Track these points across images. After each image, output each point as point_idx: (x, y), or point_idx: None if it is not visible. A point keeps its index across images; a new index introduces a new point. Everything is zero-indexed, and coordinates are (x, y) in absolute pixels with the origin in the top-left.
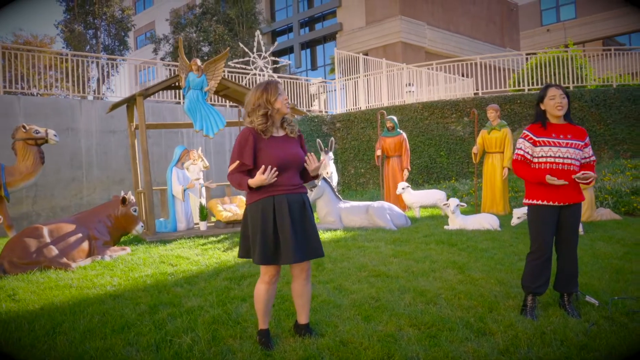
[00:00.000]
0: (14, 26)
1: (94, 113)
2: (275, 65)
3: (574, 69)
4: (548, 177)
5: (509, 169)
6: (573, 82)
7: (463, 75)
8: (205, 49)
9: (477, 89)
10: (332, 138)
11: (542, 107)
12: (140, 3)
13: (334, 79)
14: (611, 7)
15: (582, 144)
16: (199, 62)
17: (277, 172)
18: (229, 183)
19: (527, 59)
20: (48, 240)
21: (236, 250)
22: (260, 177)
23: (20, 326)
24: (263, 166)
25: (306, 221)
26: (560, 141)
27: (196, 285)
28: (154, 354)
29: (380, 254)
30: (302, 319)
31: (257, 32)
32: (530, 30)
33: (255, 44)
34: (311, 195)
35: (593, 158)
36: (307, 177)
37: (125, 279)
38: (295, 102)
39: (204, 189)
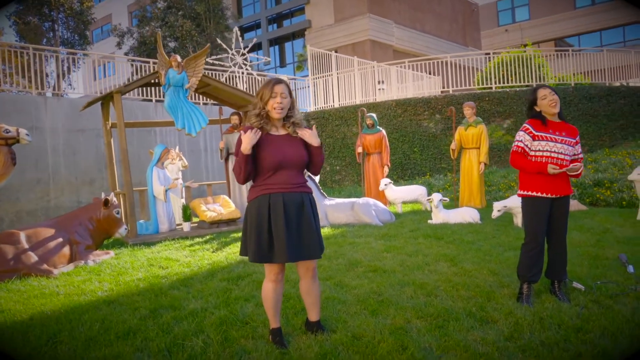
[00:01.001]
0: None
1: (60, 111)
2: (252, 63)
3: (534, 68)
4: (550, 166)
5: (485, 164)
6: (535, 81)
7: (430, 73)
8: (172, 44)
9: (444, 87)
10: (314, 124)
11: (537, 109)
12: None
13: (306, 75)
14: (562, 10)
15: (574, 141)
16: (179, 58)
17: (259, 133)
18: (210, 182)
19: (489, 58)
20: (26, 246)
21: (226, 250)
22: (246, 138)
23: (12, 337)
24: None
25: (303, 221)
26: (556, 137)
27: (193, 288)
28: (167, 359)
29: (373, 250)
30: (313, 316)
31: (235, 28)
32: (489, 30)
33: (234, 40)
34: None
35: (581, 155)
36: (317, 168)
37: (116, 284)
38: None
39: (184, 189)
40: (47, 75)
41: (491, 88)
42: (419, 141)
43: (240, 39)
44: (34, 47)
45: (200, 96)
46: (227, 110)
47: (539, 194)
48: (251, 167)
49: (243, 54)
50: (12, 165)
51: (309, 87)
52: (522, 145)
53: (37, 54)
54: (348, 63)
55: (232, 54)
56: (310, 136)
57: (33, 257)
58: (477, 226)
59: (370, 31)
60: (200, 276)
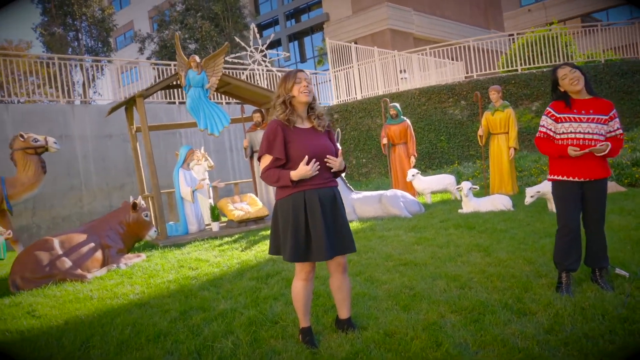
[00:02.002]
0: None
1: (87, 118)
2: (272, 59)
3: (560, 46)
4: (570, 148)
5: (515, 149)
6: (562, 60)
7: (453, 59)
8: (192, 46)
9: (468, 72)
10: (339, 129)
11: (562, 90)
12: (117, 2)
13: (327, 69)
14: None
15: (607, 117)
16: (197, 58)
17: (319, 165)
18: (237, 181)
19: (513, 39)
20: (60, 252)
21: (255, 248)
22: (304, 168)
23: (48, 343)
24: (306, 157)
25: (338, 216)
26: (582, 116)
27: (222, 288)
28: None
29: (403, 242)
30: (343, 314)
31: (252, 25)
32: (512, 11)
33: (251, 37)
34: None
35: (619, 131)
36: (336, 172)
37: (147, 287)
38: None
39: (211, 189)
40: (74, 84)
41: (517, 70)
42: (445, 129)
43: (257, 36)
44: (60, 56)
45: (222, 95)
46: (249, 109)
47: (567, 178)
48: None
49: (262, 51)
50: (42, 174)
51: (330, 80)
52: (544, 130)
53: (63, 63)
54: (368, 54)
55: (251, 52)
56: (340, 165)
57: (67, 263)
58: (509, 213)
59: (389, 20)
60: (229, 276)
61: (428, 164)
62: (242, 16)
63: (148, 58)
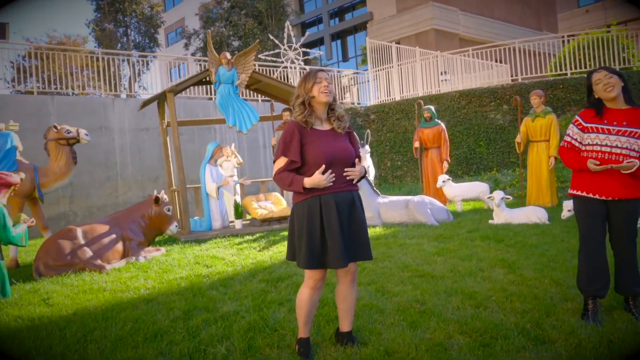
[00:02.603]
0: (47, 27)
1: (127, 111)
2: (306, 57)
3: (617, 50)
4: (590, 161)
5: (555, 158)
6: (618, 64)
7: (499, 62)
8: (236, 43)
9: (514, 75)
10: (368, 130)
11: (597, 96)
12: (170, 0)
13: (367, 69)
14: None
15: None
16: (228, 55)
17: (334, 176)
18: (263, 179)
19: (567, 41)
20: (82, 241)
21: (273, 249)
22: (318, 177)
23: (51, 333)
24: (323, 166)
25: (355, 222)
26: (612, 128)
27: (232, 288)
28: None
29: (423, 252)
30: (345, 326)
31: (287, 23)
32: (567, 12)
33: (285, 35)
34: None
35: None
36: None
37: (159, 282)
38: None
39: (238, 186)
40: (120, 78)
41: (566, 74)
42: (485, 134)
43: (292, 33)
44: (106, 51)
45: (253, 93)
46: (279, 107)
47: (588, 195)
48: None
49: (295, 49)
50: (73, 164)
51: (368, 81)
52: (569, 139)
53: (111, 58)
54: (410, 54)
55: (284, 50)
56: (360, 173)
57: (88, 252)
58: (544, 227)
59: (434, 20)
60: (241, 276)
61: (465, 170)
62: (286, 14)
63: (193, 54)
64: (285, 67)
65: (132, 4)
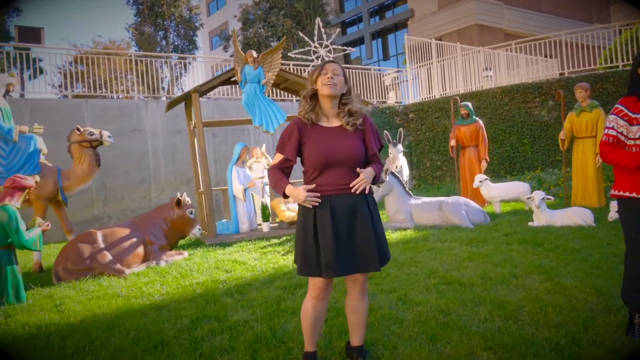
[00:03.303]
0: (93, 33)
1: (160, 113)
2: (338, 54)
3: None
4: None
5: None
6: None
7: (546, 56)
8: (274, 44)
9: (562, 69)
10: (401, 129)
11: None
12: (214, 4)
13: (406, 67)
14: None
15: None
16: (254, 53)
17: (319, 200)
18: (294, 181)
19: (620, 32)
20: (102, 245)
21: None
22: (302, 192)
23: (51, 343)
24: (314, 185)
25: (356, 227)
26: None
27: (247, 295)
28: None
29: (454, 257)
30: (355, 340)
31: (317, 20)
32: (621, 2)
33: (316, 32)
34: (378, 191)
35: None
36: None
37: (174, 288)
38: (368, 94)
39: (267, 188)
40: (161, 81)
41: (617, 67)
42: (529, 131)
43: (322, 30)
44: (144, 54)
45: (281, 92)
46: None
47: (635, 195)
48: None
49: (326, 46)
50: (96, 167)
51: (407, 79)
52: (614, 133)
53: (150, 61)
54: (450, 50)
55: (315, 47)
56: (367, 181)
57: (107, 257)
58: (588, 230)
59: (477, 15)
60: (259, 282)
61: (508, 169)
62: (325, 13)
63: (231, 56)
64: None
65: (171, 7)
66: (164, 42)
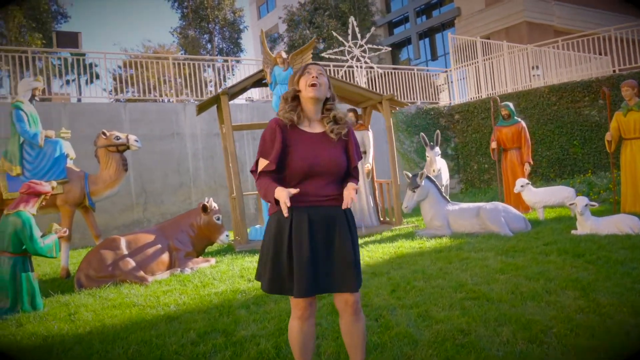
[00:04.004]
0: (143, 38)
1: (199, 116)
2: (373, 54)
3: None
4: None
5: None
6: None
7: (600, 54)
8: (320, 45)
9: (614, 67)
10: (438, 131)
11: None
12: (264, 7)
13: (450, 68)
14: None
15: None
16: (284, 54)
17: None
18: None
19: None
20: (125, 252)
21: None
22: (283, 194)
23: (49, 357)
24: (297, 190)
25: (335, 243)
26: None
27: (263, 307)
28: None
29: (486, 269)
30: None
31: (351, 19)
32: None
33: (350, 31)
34: (414, 196)
35: None
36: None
37: (192, 297)
38: (418, 96)
39: None
40: (206, 84)
41: None
42: (579, 132)
43: (356, 29)
44: (189, 57)
45: None
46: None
47: None
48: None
49: (361, 46)
50: (123, 171)
51: (451, 82)
52: None
53: (195, 64)
54: (497, 48)
55: (349, 47)
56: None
57: (130, 264)
58: (636, 239)
59: (526, 12)
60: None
61: (557, 172)
62: (370, 14)
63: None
64: (350, 66)
65: (215, 10)
66: (209, 46)
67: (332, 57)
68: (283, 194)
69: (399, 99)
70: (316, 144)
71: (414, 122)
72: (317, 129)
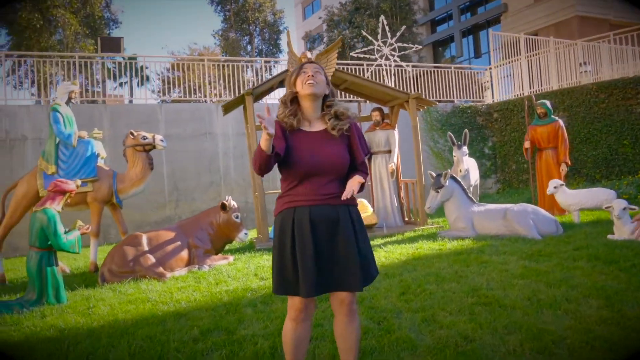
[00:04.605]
0: (189, 41)
1: (231, 116)
2: (403, 52)
3: None
4: None
5: None
6: None
7: None
8: (360, 45)
9: None
10: (466, 130)
11: None
12: (309, 8)
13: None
14: None
15: None
16: (309, 54)
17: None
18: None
19: None
20: (146, 248)
21: None
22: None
23: (58, 350)
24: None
25: (338, 243)
26: None
27: (270, 306)
28: None
29: (505, 273)
30: None
31: (381, 18)
32: None
33: (380, 30)
34: (437, 197)
35: None
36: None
37: (204, 295)
38: (459, 94)
39: None
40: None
41: None
42: (630, 131)
43: (387, 28)
44: (234, 59)
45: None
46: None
47: None
48: (269, 164)
49: (390, 44)
50: (149, 170)
51: (489, 81)
52: None
53: (235, 65)
54: (542, 45)
55: (379, 46)
56: (349, 191)
57: (150, 260)
58: None
59: (578, 6)
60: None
61: (604, 173)
62: (412, 12)
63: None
64: (379, 65)
65: (256, 12)
66: (249, 47)
67: (362, 56)
68: (262, 133)
69: (438, 97)
70: (316, 142)
71: (449, 120)
72: (317, 127)
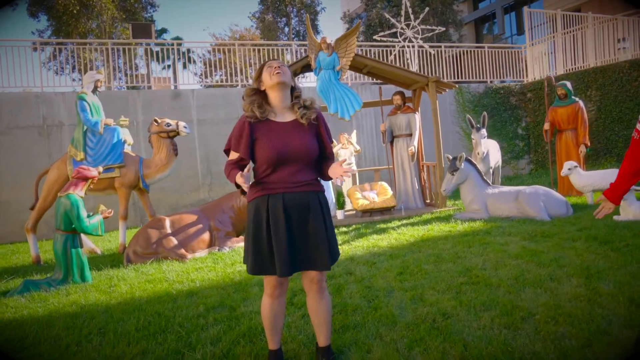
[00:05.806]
0: (230, 23)
1: None
2: (427, 34)
3: None
4: None
5: None
6: None
7: None
8: (399, 25)
9: None
10: (485, 113)
11: None
12: None
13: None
14: None
15: None
16: (328, 39)
17: (250, 175)
18: (377, 168)
19: None
20: (169, 231)
21: (354, 243)
22: (240, 178)
23: (75, 324)
24: (249, 165)
25: (309, 226)
26: None
27: None
28: None
29: (502, 254)
30: (321, 341)
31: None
32: None
33: (403, 12)
34: (453, 179)
35: None
36: (325, 174)
37: (218, 275)
38: (501, 73)
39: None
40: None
41: None
42: None
43: (409, 10)
44: (268, 42)
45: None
46: (390, 90)
47: None
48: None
49: (414, 27)
50: (174, 156)
51: (523, 60)
52: None
53: (272, 48)
54: (580, 21)
55: (402, 28)
56: (337, 172)
57: (173, 242)
58: None
59: None
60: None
61: None
62: None
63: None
64: (402, 47)
65: None
66: (286, 29)
67: (386, 39)
68: (241, 180)
69: (477, 78)
70: (286, 132)
71: (481, 101)
72: (287, 117)
